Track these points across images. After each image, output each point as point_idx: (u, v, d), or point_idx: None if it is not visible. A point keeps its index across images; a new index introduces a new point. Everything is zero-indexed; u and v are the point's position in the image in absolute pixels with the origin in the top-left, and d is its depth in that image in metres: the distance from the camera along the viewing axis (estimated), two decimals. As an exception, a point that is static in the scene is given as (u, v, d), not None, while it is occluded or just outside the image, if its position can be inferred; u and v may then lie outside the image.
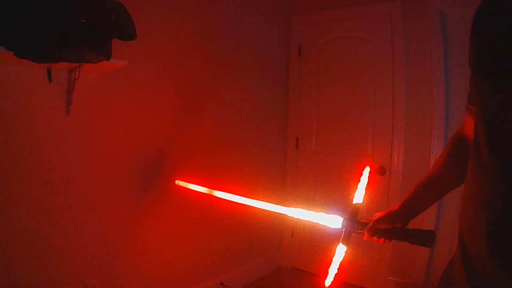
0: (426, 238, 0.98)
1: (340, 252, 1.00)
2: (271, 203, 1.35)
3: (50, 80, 1.68)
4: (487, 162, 0.69)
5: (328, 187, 2.95)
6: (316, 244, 3.01)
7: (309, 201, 3.05)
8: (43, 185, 1.71)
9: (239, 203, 1.46)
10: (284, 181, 3.22)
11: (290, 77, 3.18)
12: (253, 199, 1.38)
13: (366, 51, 2.78)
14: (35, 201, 1.69)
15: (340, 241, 1.02)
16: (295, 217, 1.22)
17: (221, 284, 2.62)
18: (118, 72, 1.90)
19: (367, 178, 1.15)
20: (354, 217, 1.05)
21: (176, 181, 2.02)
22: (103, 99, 1.90)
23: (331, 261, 1.00)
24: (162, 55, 2.17)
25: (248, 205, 1.42)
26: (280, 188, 3.19)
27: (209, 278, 2.58)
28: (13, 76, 1.58)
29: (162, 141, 2.23)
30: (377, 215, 1.01)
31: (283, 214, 1.27)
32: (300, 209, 1.21)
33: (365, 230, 1.01)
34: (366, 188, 1.12)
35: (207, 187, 1.72)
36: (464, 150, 0.90)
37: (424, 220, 2.48)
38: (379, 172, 2.69)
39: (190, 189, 1.89)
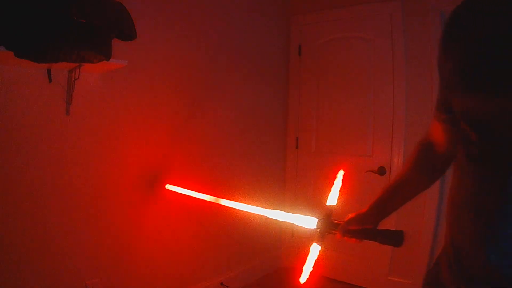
0: (395, 238, 1.05)
1: (314, 251, 1.06)
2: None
3: (50, 80, 1.68)
4: (483, 171, 0.68)
5: (328, 187, 2.94)
6: (316, 244, 3.00)
7: (309, 201, 3.05)
8: (42, 185, 1.71)
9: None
10: (284, 181, 3.22)
11: (290, 77, 3.18)
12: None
13: (366, 51, 2.78)
14: (34, 201, 1.69)
15: (314, 241, 1.06)
16: (273, 218, 1.28)
17: (221, 284, 2.62)
18: (118, 72, 1.90)
19: (341, 181, 1.23)
20: (328, 218, 1.10)
21: (166, 185, 2.04)
22: (103, 99, 1.90)
23: (306, 259, 1.06)
24: (162, 55, 2.17)
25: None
26: (280, 188, 3.19)
27: (209, 278, 2.58)
28: (13, 76, 1.58)
29: (163, 140, 2.23)
30: (349, 216, 1.05)
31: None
32: (278, 210, 1.26)
33: (337, 230, 1.05)
34: (340, 190, 1.21)
35: (195, 191, 1.76)
36: (431, 156, 0.94)
37: (424, 220, 2.48)
38: (379, 172, 2.69)
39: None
